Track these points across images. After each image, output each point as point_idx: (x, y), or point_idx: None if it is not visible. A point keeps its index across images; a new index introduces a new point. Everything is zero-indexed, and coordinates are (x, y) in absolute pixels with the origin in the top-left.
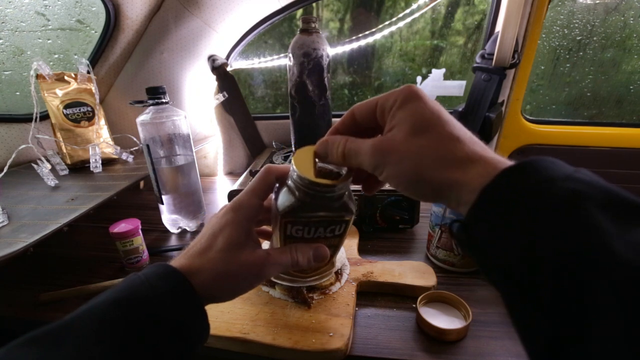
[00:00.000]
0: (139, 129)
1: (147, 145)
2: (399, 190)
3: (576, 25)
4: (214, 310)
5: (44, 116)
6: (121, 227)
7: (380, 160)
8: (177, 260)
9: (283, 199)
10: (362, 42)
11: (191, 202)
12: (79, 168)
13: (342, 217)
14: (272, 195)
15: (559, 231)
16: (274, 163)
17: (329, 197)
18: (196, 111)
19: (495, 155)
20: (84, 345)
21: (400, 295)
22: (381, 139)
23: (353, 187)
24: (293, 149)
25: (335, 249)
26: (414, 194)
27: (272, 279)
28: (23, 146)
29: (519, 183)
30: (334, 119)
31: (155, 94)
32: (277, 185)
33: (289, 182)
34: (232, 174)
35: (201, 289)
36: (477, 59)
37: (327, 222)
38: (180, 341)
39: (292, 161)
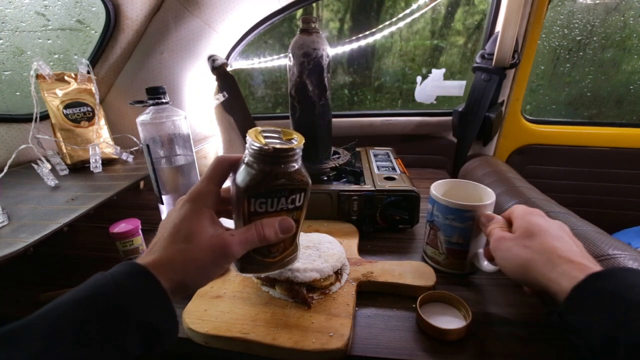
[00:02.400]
0: (139, 129)
1: (147, 145)
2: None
3: (576, 25)
4: (213, 310)
5: (44, 116)
6: (121, 227)
7: (494, 248)
8: (144, 258)
9: (243, 175)
10: (362, 42)
11: None
12: (79, 168)
13: (301, 185)
14: (230, 182)
15: (636, 327)
16: None
17: (288, 163)
18: (196, 111)
19: (587, 259)
20: (44, 345)
21: (400, 295)
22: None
23: (353, 187)
24: None
25: (297, 224)
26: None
27: (239, 272)
28: (23, 146)
29: (605, 285)
30: (334, 119)
31: (155, 94)
32: (232, 172)
33: (246, 160)
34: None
35: (170, 283)
36: (477, 59)
37: (288, 191)
38: (147, 339)
39: (249, 138)
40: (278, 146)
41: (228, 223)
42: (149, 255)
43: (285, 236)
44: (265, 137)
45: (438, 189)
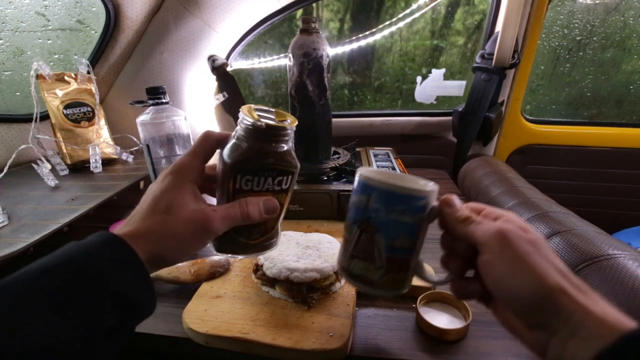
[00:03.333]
0: (139, 129)
1: (147, 145)
2: (493, 282)
3: (576, 25)
4: (213, 310)
5: (44, 116)
6: None
7: (500, 245)
8: (120, 229)
9: (231, 150)
10: (362, 42)
11: None
12: (79, 168)
13: (289, 167)
14: (217, 159)
15: None
16: None
17: (279, 142)
18: (196, 111)
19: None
20: (10, 315)
21: (400, 295)
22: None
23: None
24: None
25: (282, 207)
26: (509, 296)
27: (215, 250)
28: (23, 146)
29: None
30: (334, 119)
31: (155, 94)
32: (220, 149)
33: (237, 135)
34: None
35: (147, 255)
36: (477, 59)
37: (276, 172)
38: (122, 310)
39: (242, 114)
40: (277, 123)
41: (211, 202)
42: (126, 227)
43: (269, 217)
44: (259, 115)
45: (372, 174)
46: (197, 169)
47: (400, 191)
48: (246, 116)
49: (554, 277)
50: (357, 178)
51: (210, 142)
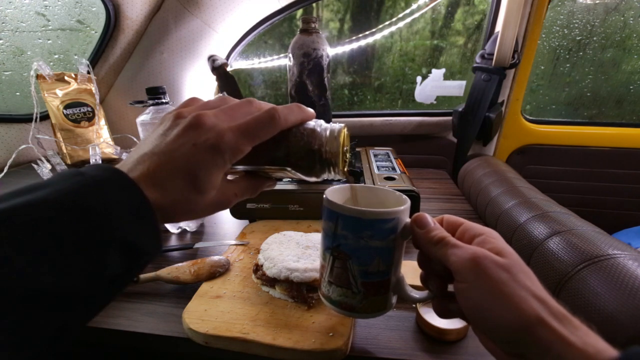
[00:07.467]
0: (139, 129)
1: None
2: (470, 311)
3: (576, 25)
4: (213, 310)
5: (44, 116)
6: None
7: (474, 274)
8: (144, 183)
9: (298, 150)
10: (362, 42)
11: None
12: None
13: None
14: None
15: None
16: None
17: (324, 177)
18: None
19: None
20: (7, 252)
21: None
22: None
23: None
24: None
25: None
26: (485, 323)
27: None
28: (23, 146)
29: None
30: (334, 119)
31: (155, 94)
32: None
33: (314, 147)
34: None
35: (161, 217)
36: (477, 59)
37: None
38: (129, 260)
39: (337, 140)
40: (341, 177)
41: None
42: (151, 187)
43: None
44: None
45: (335, 196)
46: (244, 153)
47: (366, 216)
48: (336, 159)
49: (532, 306)
50: (323, 202)
51: (274, 131)
